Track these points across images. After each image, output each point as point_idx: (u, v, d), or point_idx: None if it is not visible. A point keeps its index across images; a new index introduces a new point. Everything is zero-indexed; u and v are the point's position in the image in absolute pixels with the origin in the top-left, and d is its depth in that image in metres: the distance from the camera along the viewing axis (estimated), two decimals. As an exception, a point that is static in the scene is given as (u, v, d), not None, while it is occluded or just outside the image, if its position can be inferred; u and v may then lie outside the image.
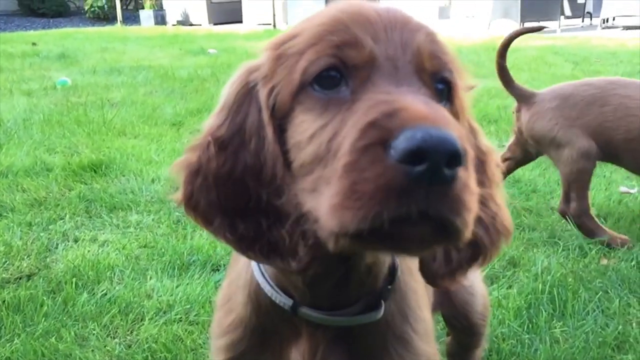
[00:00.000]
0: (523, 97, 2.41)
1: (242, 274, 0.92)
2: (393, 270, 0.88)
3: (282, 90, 0.73)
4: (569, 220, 2.31)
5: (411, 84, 0.68)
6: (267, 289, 0.86)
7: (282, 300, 0.86)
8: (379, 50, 0.69)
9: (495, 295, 1.88)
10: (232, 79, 0.80)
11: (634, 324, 1.76)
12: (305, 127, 0.70)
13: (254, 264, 0.88)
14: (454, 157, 0.57)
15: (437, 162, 0.56)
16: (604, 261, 2.13)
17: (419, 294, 0.94)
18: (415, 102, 0.62)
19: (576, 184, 2.27)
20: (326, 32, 0.71)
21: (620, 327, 1.73)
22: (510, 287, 1.96)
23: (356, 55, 0.69)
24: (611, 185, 2.89)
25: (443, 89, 0.74)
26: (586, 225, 2.27)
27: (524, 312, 1.79)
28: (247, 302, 0.90)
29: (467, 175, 0.60)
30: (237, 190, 0.75)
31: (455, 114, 0.76)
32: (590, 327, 1.73)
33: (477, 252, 0.79)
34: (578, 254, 2.19)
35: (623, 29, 10.63)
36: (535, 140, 2.37)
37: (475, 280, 1.34)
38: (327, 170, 0.65)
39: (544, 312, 1.79)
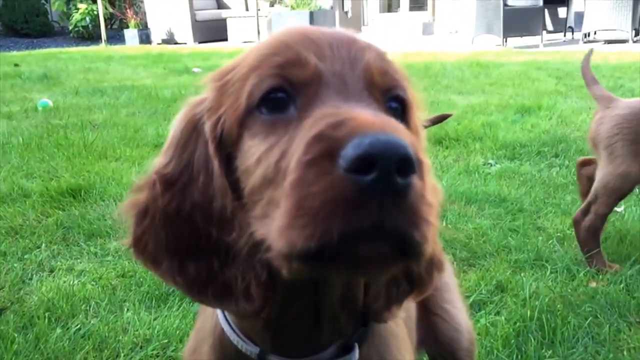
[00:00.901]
0: (602, 100, 2.36)
1: (208, 321, 0.88)
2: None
3: (228, 119, 0.70)
4: (577, 232, 2.25)
5: (361, 99, 0.65)
6: (233, 336, 0.81)
7: (248, 348, 0.80)
8: (325, 67, 0.67)
9: (483, 323, 1.83)
10: (179, 115, 0.77)
11: (625, 352, 1.71)
12: (253, 151, 0.67)
13: (219, 310, 0.83)
14: (406, 163, 0.53)
15: (388, 168, 0.52)
16: (593, 284, 2.09)
17: (400, 338, 0.89)
18: (364, 113, 0.58)
19: (603, 200, 2.20)
20: (269, 54, 0.70)
21: (611, 355, 1.69)
22: (498, 313, 1.92)
23: (301, 72, 0.67)
24: (597, 203, 2.86)
25: (397, 107, 0.71)
26: (588, 244, 2.20)
27: (513, 340, 1.74)
28: (212, 352, 0.85)
29: (423, 185, 0.56)
30: (186, 229, 0.71)
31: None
32: (581, 355, 1.68)
33: (413, 284, 0.77)
34: (566, 276, 2.15)
35: (604, 43, 10.75)
36: (593, 142, 2.29)
37: (460, 315, 1.29)
38: (276, 193, 0.60)
39: (533, 340, 1.74)
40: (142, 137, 4.40)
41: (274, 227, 0.58)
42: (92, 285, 2.20)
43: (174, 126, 0.76)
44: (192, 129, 0.74)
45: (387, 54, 0.73)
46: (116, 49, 12.37)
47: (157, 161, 0.76)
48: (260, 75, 0.68)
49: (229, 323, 0.82)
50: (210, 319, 0.86)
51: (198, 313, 0.97)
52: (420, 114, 0.77)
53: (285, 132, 0.64)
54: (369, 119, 0.56)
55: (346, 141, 0.54)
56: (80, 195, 3.12)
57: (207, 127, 0.72)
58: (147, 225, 0.72)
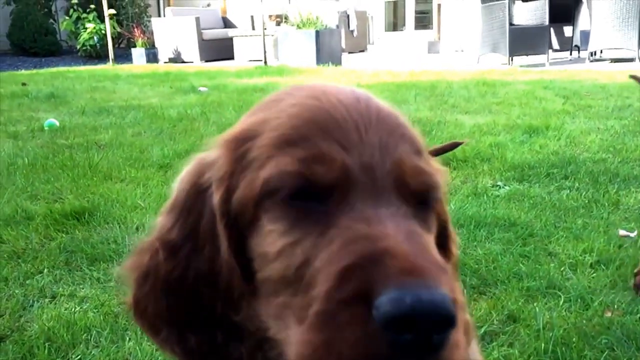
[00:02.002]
0: None
1: None
2: None
3: (242, 196, 0.64)
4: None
5: (390, 202, 0.60)
6: None
7: None
8: (353, 161, 0.61)
9: (496, 356, 1.77)
10: (183, 174, 0.71)
11: (644, 387, 1.65)
12: (272, 239, 0.61)
13: None
14: (447, 323, 0.49)
15: (428, 330, 0.48)
16: (608, 313, 2.03)
17: None
18: (399, 240, 0.54)
19: None
20: (288, 141, 0.62)
21: (630, 390, 1.62)
22: (511, 345, 1.86)
23: (326, 173, 0.60)
24: (610, 227, 2.81)
25: (428, 208, 0.66)
26: None
27: (527, 374, 1.68)
28: None
29: (457, 334, 0.52)
30: (189, 299, 0.66)
31: (435, 220, 0.68)
32: (598, 391, 1.62)
33: None
34: (580, 306, 2.09)
35: (611, 62, 10.72)
36: None
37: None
38: (295, 300, 0.57)
39: (547, 374, 1.68)
40: (147, 157, 4.38)
41: (292, 342, 0.56)
42: (94, 312, 2.15)
43: (179, 185, 0.70)
44: (198, 194, 0.68)
45: (419, 138, 0.67)
46: (123, 67, 12.44)
47: (160, 222, 0.70)
48: (280, 169, 0.61)
49: None
50: None
51: None
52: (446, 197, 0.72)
53: (310, 232, 0.59)
54: (406, 257, 0.53)
55: (382, 287, 0.51)
56: (84, 218, 3.08)
57: (216, 199, 0.66)
58: (148, 290, 0.68)
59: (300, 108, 0.65)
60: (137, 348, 1.90)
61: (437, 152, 1.52)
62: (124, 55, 14.62)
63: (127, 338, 1.97)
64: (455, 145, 1.65)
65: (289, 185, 0.61)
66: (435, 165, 0.67)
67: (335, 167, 0.60)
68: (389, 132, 0.64)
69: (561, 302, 2.10)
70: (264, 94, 5.42)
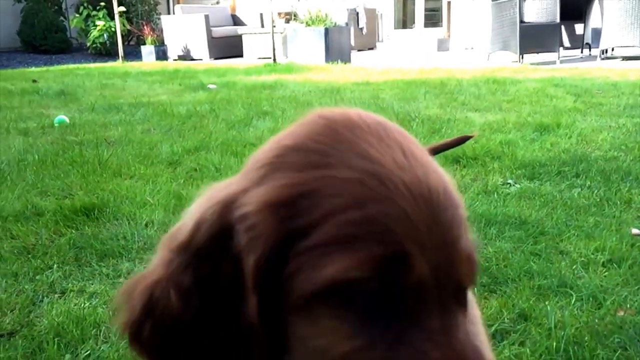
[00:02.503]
0: None
1: None
2: None
3: (299, 286, 0.55)
4: None
5: (453, 310, 0.57)
6: None
7: None
8: (427, 267, 0.54)
9: (507, 354, 1.75)
10: (200, 208, 0.61)
11: (657, 387, 1.63)
12: (335, 338, 0.55)
13: None
14: None
15: None
16: (620, 312, 2.00)
17: None
18: None
19: None
20: (356, 227, 0.54)
21: (643, 390, 1.60)
22: (522, 343, 1.84)
23: (405, 278, 0.54)
24: (622, 226, 2.78)
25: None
26: None
27: (538, 373, 1.67)
28: None
29: None
30: (197, 349, 0.59)
31: None
32: (611, 391, 1.60)
33: None
34: (592, 304, 2.06)
35: (622, 60, 10.63)
36: None
37: (484, 349, 1.22)
38: None
39: (559, 373, 1.66)
40: (156, 154, 4.39)
41: None
42: (103, 308, 2.15)
43: (195, 223, 0.59)
44: (219, 241, 0.58)
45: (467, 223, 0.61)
46: (133, 65, 12.49)
47: (169, 259, 0.61)
48: (353, 268, 0.53)
49: None
50: None
51: None
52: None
53: (379, 339, 0.55)
54: None
55: None
56: (94, 214, 3.09)
57: (250, 264, 0.56)
58: (153, 323, 0.60)
59: (357, 174, 0.56)
60: (146, 344, 1.89)
61: (446, 146, 1.50)
62: (133, 53, 14.67)
63: (136, 334, 1.97)
64: (464, 139, 1.63)
65: (362, 290, 0.54)
66: (473, 240, 0.62)
67: (416, 273, 0.54)
68: (451, 217, 0.57)
69: (573, 301, 2.08)
70: (273, 91, 5.47)
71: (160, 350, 0.61)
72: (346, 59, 11.87)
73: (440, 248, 0.55)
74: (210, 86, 8.17)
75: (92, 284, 2.38)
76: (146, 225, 2.98)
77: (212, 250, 0.58)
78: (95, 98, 7.33)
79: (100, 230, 2.92)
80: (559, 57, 10.66)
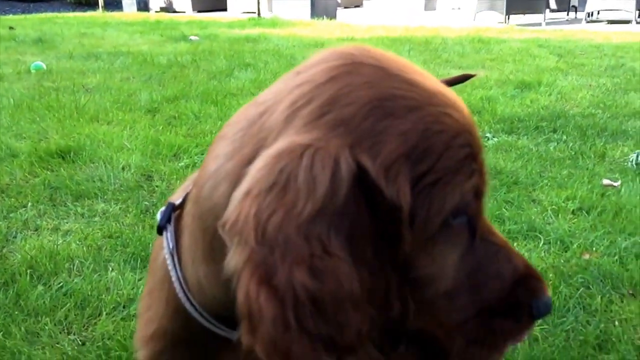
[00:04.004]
0: None
1: (163, 289, 0.77)
2: None
3: (432, 212, 0.59)
4: None
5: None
6: (200, 319, 0.72)
7: (225, 334, 0.72)
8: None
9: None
10: (322, 160, 0.55)
11: (616, 322, 1.69)
12: (448, 258, 0.64)
13: (175, 282, 0.73)
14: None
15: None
16: (586, 255, 2.05)
17: None
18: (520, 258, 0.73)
19: None
20: (463, 159, 0.61)
21: (602, 325, 1.66)
22: (488, 282, 1.88)
23: (484, 188, 0.66)
24: (594, 178, 2.82)
25: None
26: None
27: (502, 308, 1.71)
28: (173, 318, 0.76)
29: None
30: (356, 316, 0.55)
31: None
32: (571, 325, 1.65)
33: None
34: (559, 248, 2.11)
35: (607, 23, 10.62)
36: None
37: None
38: (464, 299, 0.67)
39: (522, 308, 1.70)
40: (135, 101, 4.33)
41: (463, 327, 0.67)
42: (77, 244, 2.15)
43: (325, 183, 0.53)
44: (364, 195, 0.56)
45: None
46: (113, 15, 12.18)
47: (310, 219, 0.53)
48: (462, 192, 0.60)
49: (192, 304, 0.72)
50: (167, 291, 0.76)
51: (148, 271, 0.89)
52: None
53: (465, 242, 0.65)
54: (537, 274, 0.73)
55: (537, 297, 0.70)
56: (70, 157, 3.06)
57: (406, 193, 0.57)
58: (295, 328, 0.51)
59: (441, 108, 0.62)
60: (120, 277, 1.91)
61: (448, 84, 1.49)
62: (113, 3, 14.29)
63: (110, 269, 1.98)
64: (466, 77, 1.62)
65: (471, 211, 0.64)
66: None
67: (485, 178, 0.66)
68: None
69: (541, 244, 2.13)
70: (256, 44, 5.40)
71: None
72: (332, 16, 11.70)
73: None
74: (193, 38, 8.03)
75: (67, 223, 2.37)
76: (123, 168, 2.96)
77: (358, 203, 0.55)
78: (74, 46, 7.17)
79: (76, 172, 2.90)
80: (545, 19, 10.61)
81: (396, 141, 0.57)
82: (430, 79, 0.64)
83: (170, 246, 0.74)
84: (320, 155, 0.54)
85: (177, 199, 0.79)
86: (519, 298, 0.68)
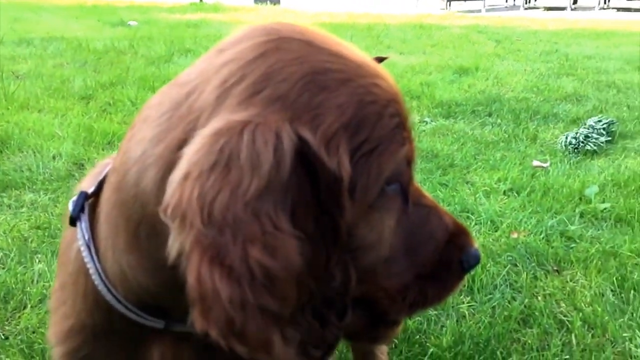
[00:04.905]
0: None
1: (79, 283, 0.74)
2: None
3: (369, 180, 0.61)
4: None
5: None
6: (124, 310, 0.71)
7: (151, 323, 0.71)
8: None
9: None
10: (260, 135, 0.54)
11: (539, 297, 1.75)
12: (385, 224, 0.66)
13: (93, 274, 0.70)
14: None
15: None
16: (514, 234, 2.12)
17: None
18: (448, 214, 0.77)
19: None
20: (396, 128, 0.63)
21: (527, 300, 1.72)
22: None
23: (413, 152, 0.67)
24: (525, 159, 2.91)
25: None
26: None
27: (433, 287, 1.75)
28: (92, 312, 0.74)
29: None
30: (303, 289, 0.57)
31: None
32: (497, 301, 1.71)
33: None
34: (489, 227, 2.17)
35: (544, 10, 10.94)
36: None
37: None
38: (406, 261, 0.71)
39: (452, 287, 1.75)
40: (68, 88, 4.18)
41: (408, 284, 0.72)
42: (2, 236, 2.07)
43: (267, 160, 0.53)
44: (307, 167, 0.56)
45: None
46: (48, -1, 11.71)
47: (255, 212, 0.52)
48: (396, 160, 0.63)
49: (113, 294, 0.70)
50: (83, 283, 0.73)
51: (58, 266, 0.84)
52: None
53: (399, 207, 0.68)
54: (465, 229, 0.78)
55: (466, 251, 0.75)
56: (-4, 146, 2.93)
57: (345, 175, 0.58)
58: (252, 304, 0.52)
59: (370, 79, 0.63)
60: (47, 269, 1.85)
61: None
62: (49, -13, 13.72)
63: (37, 260, 1.91)
64: (379, 60, 1.62)
65: (404, 178, 0.67)
66: None
67: (415, 156, 0.69)
68: None
69: (472, 224, 2.18)
70: (197, 29, 5.28)
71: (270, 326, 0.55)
72: (275, 1, 11.60)
73: None
74: (131, 23, 7.81)
75: (-8, 214, 2.27)
76: (53, 157, 2.85)
77: (300, 176, 0.55)
78: (4, 32, 6.84)
79: (3, 161, 2.78)
80: (484, 6, 10.84)
81: (334, 114, 0.58)
82: (354, 51, 0.65)
83: (86, 237, 0.71)
84: (261, 131, 0.53)
85: (88, 187, 0.76)
86: (451, 256, 0.74)
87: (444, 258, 0.73)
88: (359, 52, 0.65)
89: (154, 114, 0.63)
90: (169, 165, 0.57)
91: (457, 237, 0.75)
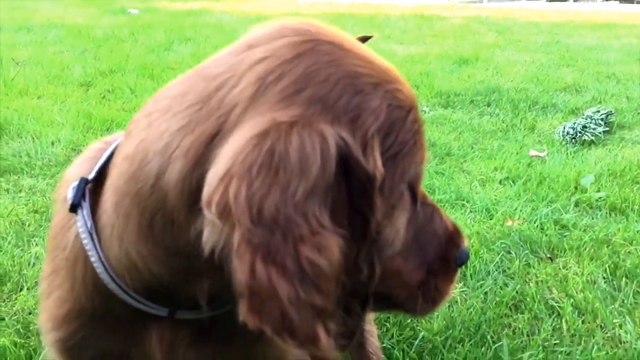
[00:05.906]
0: None
1: (77, 268, 0.74)
2: None
3: (394, 181, 0.65)
4: None
5: None
6: (127, 298, 0.71)
7: (154, 310, 0.72)
8: None
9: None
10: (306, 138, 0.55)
11: (531, 284, 1.76)
12: (400, 221, 0.70)
13: (95, 262, 0.70)
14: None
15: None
16: (509, 222, 2.13)
17: None
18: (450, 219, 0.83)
19: None
20: (416, 133, 0.66)
21: (519, 286, 1.73)
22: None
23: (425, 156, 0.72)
24: (523, 149, 2.92)
25: None
26: None
27: (426, 273, 1.76)
28: (92, 297, 0.74)
29: None
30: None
31: None
32: (490, 287, 1.72)
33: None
34: (484, 215, 2.18)
35: (547, 1, 10.90)
36: None
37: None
38: (414, 260, 0.76)
39: (445, 273, 1.76)
40: (68, 75, 4.19)
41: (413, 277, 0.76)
42: (2, 219, 2.08)
43: (314, 161, 0.54)
44: (346, 168, 0.58)
45: None
46: (48, -13, 11.66)
47: (304, 212, 0.54)
48: (416, 163, 0.67)
49: (115, 281, 0.70)
50: (81, 269, 0.73)
51: (48, 251, 0.82)
52: None
53: (410, 206, 0.71)
54: (460, 230, 0.83)
55: (459, 249, 0.81)
56: (-5, 131, 2.94)
57: (378, 162, 0.61)
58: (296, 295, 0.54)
59: (394, 84, 0.65)
60: (43, 252, 1.86)
61: None
62: (49, -25, 13.66)
63: (34, 243, 1.93)
64: (364, 39, 1.62)
65: (416, 179, 0.70)
66: None
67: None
68: None
69: (467, 212, 2.20)
70: (198, 18, 5.28)
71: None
72: (277, -10, 11.55)
73: None
74: (132, 11, 7.80)
75: (-10, 199, 2.29)
76: (52, 143, 2.87)
77: (339, 176, 0.57)
78: (3, 19, 6.84)
79: (2, 147, 2.79)
80: (486, -3, 10.80)
81: (371, 117, 0.61)
82: (375, 54, 0.67)
83: (89, 225, 0.70)
84: (308, 133, 0.55)
85: (85, 173, 0.74)
86: (451, 253, 0.79)
87: (446, 255, 0.79)
88: (378, 56, 0.67)
89: (177, 105, 0.62)
90: (199, 159, 0.58)
91: (454, 237, 0.80)
